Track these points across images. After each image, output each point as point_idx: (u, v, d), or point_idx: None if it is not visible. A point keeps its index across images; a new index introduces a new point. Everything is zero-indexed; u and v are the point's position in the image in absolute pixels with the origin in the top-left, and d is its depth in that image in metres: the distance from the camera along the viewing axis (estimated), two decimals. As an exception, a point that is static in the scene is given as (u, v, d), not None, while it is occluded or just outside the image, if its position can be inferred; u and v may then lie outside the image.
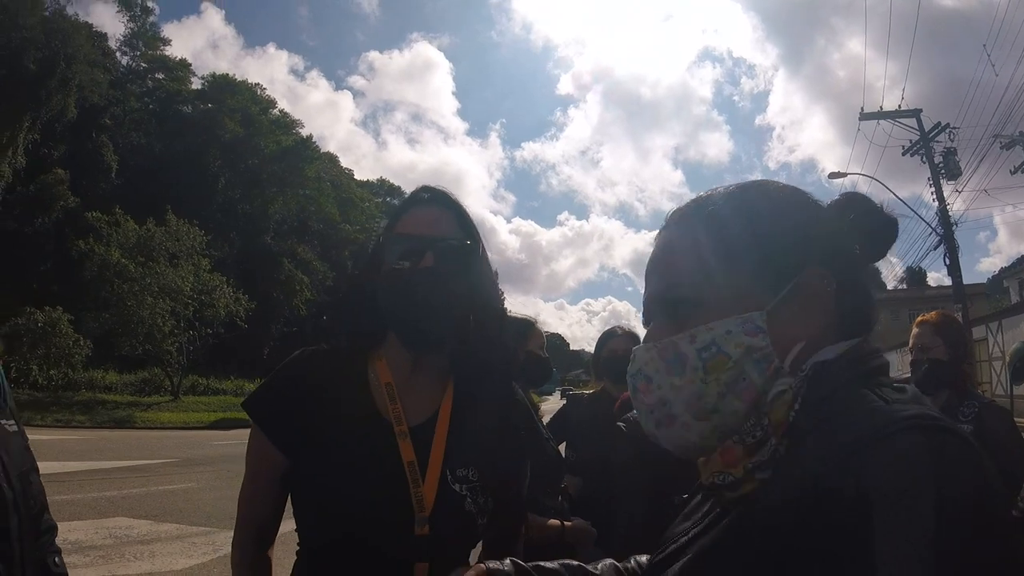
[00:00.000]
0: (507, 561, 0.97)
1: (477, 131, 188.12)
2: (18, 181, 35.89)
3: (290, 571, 1.33)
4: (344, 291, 1.45)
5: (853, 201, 0.84)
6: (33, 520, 1.39)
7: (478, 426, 1.33)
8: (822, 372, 0.73)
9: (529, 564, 0.98)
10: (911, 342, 2.84)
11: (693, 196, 0.88)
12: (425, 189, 1.43)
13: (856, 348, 0.76)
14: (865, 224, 0.83)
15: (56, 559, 1.52)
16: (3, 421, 1.38)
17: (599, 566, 1.05)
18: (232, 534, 1.38)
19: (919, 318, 2.93)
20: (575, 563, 1.02)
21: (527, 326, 2.67)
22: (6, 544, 1.23)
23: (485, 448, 1.31)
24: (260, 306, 34.38)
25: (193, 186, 43.28)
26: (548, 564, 0.99)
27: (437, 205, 1.38)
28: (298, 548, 1.33)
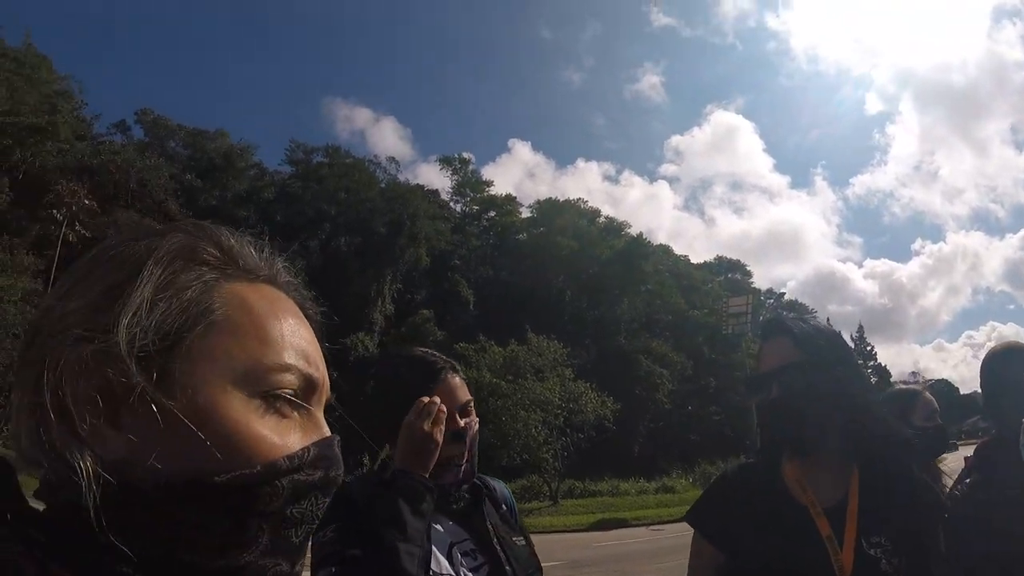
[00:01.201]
0: None
1: (800, 181, 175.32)
2: (390, 325, 43.39)
3: None
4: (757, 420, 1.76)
5: None
6: None
7: (885, 500, 1.55)
8: None
9: None
10: None
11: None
12: (764, 323, 1.88)
13: None
14: None
15: None
16: (514, 537, 1.66)
17: None
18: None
19: None
20: None
21: (909, 399, 2.62)
22: None
23: (895, 517, 1.53)
24: (624, 405, 34.63)
25: (542, 304, 46.95)
26: None
27: (773, 335, 1.69)
28: None
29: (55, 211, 38.82)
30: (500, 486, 1.79)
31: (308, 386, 0.62)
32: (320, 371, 0.64)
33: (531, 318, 38.51)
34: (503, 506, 1.74)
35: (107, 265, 0.59)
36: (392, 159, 61.52)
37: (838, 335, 1.72)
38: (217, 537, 0.54)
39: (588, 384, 32.78)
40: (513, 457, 28.29)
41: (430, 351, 1.75)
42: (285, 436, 0.58)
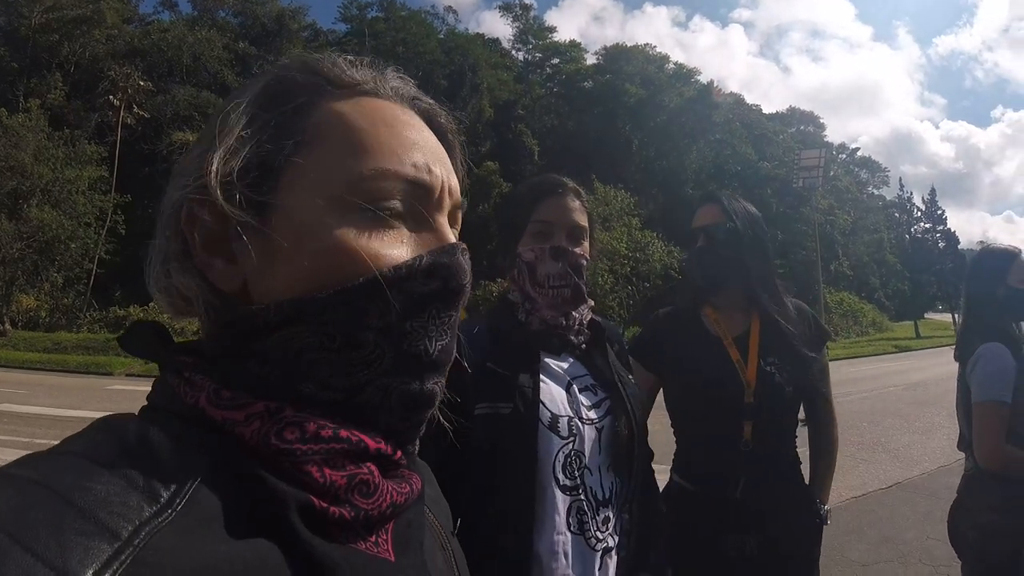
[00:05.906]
0: None
1: (883, 33, 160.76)
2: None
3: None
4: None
5: None
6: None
7: (777, 333, 2.00)
8: None
9: None
10: None
11: None
12: (703, 192, 2.46)
13: None
14: None
15: None
16: (628, 375, 1.69)
17: None
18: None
19: None
20: None
21: (1008, 258, 2.51)
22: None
23: (784, 345, 1.98)
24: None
25: (609, 153, 46.06)
26: None
27: (707, 202, 2.11)
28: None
29: (111, 97, 39.03)
30: (611, 326, 1.78)
31: (420, 192, 0.58)
32: (436, 175, 0.59)
33: (598, 167, 37.88)
34: (615, 345, 1.72)
35: (216, 115, 0.58)
36: (450, 8, 60.93)
37: (760, 219, 2.10)
38: (335, 357, 0.52)
39: (655, 234, 32.78)
40: (579, 305, 28.87)
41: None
42: (392, 247, 0.55)
